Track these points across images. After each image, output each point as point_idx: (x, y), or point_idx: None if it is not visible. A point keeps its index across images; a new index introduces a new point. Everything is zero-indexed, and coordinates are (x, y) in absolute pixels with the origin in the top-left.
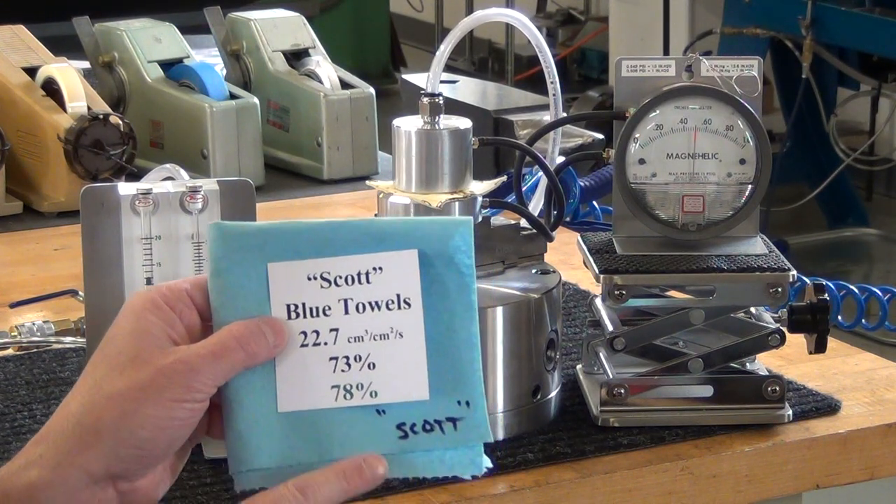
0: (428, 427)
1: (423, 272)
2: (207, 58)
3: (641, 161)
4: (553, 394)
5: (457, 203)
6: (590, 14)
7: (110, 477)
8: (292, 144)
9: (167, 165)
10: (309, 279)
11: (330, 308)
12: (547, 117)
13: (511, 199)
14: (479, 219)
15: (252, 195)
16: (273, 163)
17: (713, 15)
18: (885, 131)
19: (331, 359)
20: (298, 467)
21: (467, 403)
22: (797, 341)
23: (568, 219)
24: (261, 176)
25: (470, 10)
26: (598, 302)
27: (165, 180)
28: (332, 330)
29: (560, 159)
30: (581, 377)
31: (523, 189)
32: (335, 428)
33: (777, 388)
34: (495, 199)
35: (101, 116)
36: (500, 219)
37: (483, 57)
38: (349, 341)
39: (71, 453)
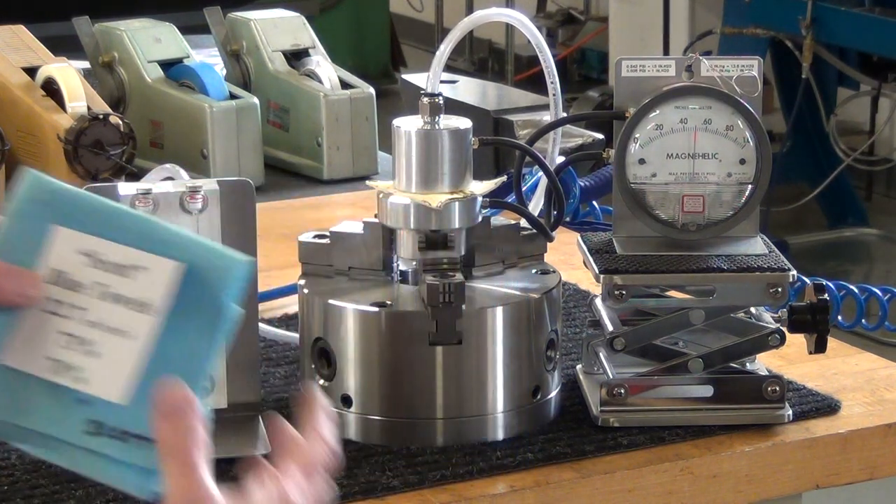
0: (116, 434)
1: (183, 290)
2: (207, 58)
3: (641, 161)
4: (553, 394)
5: (457, 203)
6: (590, 14)
7: None
8: (292, 144)
9: (167, 165)
10: (79, 253)
11: (84, 287)
12: (547, 117)
13: (511, 199)
14: (480, 219)
15: (252, 195)
16: (273, 163)
17: (713, 15)
18: (885, 131)
19: (61, 332)
20: None
21: None
22: (797, 341)
23: (568, 219)
24: (261, 176)
25: (470, 10)
26: (598, 302)
27: (165, 180)
28: (77, 308)
29: (560, 159)
30: (581, 377)
31: (523, 189)
32: (33, 397)
33: (777, 388)
34: (495, 199)
35: (101, 116)
36: (500, 219)
37: (483, 57)
38: (85, 324)
39: None
